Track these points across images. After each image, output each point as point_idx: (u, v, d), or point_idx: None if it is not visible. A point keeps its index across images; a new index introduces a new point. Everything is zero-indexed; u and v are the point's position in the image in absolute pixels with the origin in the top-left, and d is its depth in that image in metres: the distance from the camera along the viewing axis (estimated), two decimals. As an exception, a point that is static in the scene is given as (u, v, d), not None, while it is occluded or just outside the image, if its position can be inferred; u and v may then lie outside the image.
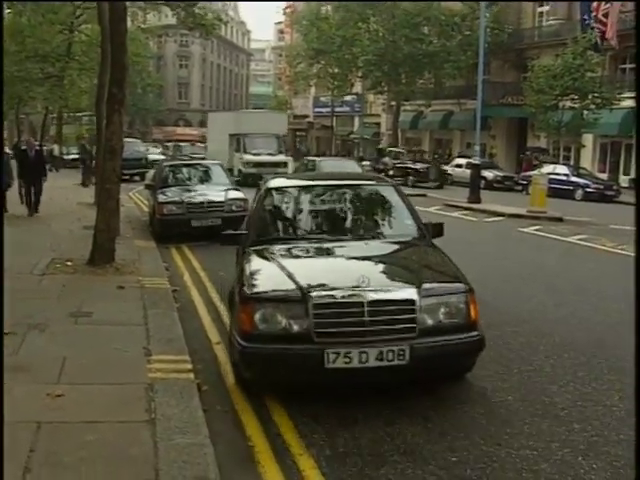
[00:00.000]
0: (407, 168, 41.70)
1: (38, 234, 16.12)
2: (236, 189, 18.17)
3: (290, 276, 6.53)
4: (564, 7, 47.24)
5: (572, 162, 42.88)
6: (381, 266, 7.41)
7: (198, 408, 5.95)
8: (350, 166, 29.92)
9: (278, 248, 7.51)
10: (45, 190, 20.00)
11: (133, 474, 4.74)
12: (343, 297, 6.19)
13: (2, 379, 5.75)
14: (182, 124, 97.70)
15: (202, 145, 53.62)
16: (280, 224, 8.46)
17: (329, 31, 56.05)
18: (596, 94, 37.16)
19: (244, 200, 17.08)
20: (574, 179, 34.65)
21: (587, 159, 43.61)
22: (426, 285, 6.38)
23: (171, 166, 19.90)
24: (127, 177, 31.42)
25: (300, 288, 6.27)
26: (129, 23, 20.24)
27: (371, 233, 8.13)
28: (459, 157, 46.04)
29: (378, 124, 66.61)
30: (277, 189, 8.87)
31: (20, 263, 11.58)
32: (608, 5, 41.54)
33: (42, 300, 9.54)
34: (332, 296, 6.20)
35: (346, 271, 6.94)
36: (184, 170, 19.25)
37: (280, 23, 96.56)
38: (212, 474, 4.78)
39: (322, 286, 6.36)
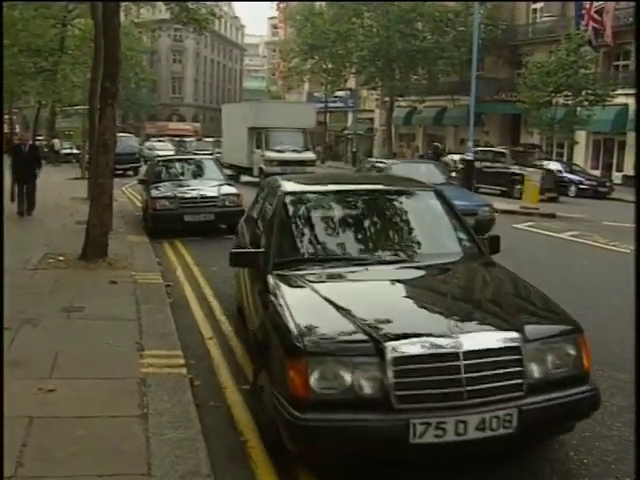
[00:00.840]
0: (512, 174, 31.18)
1: (31, 229, 16.08)
2: (229, 184, 18.18)
3: (350, 317, 5.07)
4: (558, 4, 47.31)
5: (565, 159, 42.98)
6: (459, 299, 5.94)
7: (190, 403, 5.97)
8: (432, 173, 18.99)
9: (314, 273, 6.11)
10: (38, 186, 19.46)
11: (125, 469, 4.75)
12: (431, 347, 4.67)
13: (2, 378, 5.73)
14: (175, 119, 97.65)
15: (209, 140, 51.75)
16: (308, 241, 6.78)
17: (323, 26, 56.03)
18: (589, 91, 37.17)
19: (237, 195, 17.09)
20: (567, 175, 34.69)
21: (580, 156, 43.73)
22: (529, 326, 5.00)
23: (164, 161, 19.88)
24: (120, 172, 31.34)
25: (370, 335, 4.79)
26: (122, 17, 20.23)
27: (422, 250, 6.70)
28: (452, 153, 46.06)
29: (372, 120, 66.58)
30: (297, 195, 7.25)
31: (13, 258, 11.54)
32: (601, 2, 41.60)
33: (34, 295, 9.52)
34: (416, 346, 4.68)
35: (419, 307, 5.65)
36: (177, 165, 19.23)
37: (274, 18, 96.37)
38: (204, 469, 4.79)
39: (399, 332, 4.86)
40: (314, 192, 7.61)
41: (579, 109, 37.71)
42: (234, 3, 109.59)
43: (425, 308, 5.59)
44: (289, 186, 7.49)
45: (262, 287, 6.17)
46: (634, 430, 2.72)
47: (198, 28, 24.80)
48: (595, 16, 41.52)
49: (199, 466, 4.82)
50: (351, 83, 65.71)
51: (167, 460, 4.87)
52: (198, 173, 18.69)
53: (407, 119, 58.39)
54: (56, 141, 49.78)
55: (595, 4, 41.67)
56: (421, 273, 6.36)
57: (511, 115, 48.65)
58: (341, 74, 60.91)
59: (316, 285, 5.77)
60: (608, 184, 35.33)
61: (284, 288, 5.78)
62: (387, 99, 56.39)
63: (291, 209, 7.02)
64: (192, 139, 51.50)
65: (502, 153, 35.09)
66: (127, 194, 27.48)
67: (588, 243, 17.47)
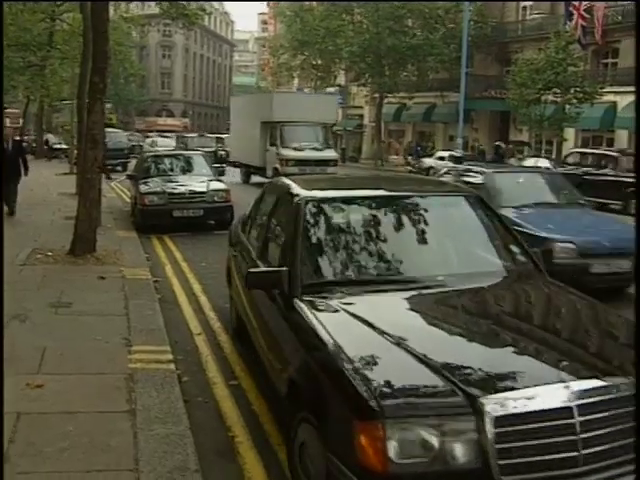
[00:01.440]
0: (628, 185, 22.77)
1: (19, 225, 16.01)
2: (218, 180, 18.15)
3: (427, 362, 4.03)
4: (547, 2, 47.39)
5: (554, 156, 43.09)
6: (547, 333, 4.81)
7: (179, 398, 5.97)
8: (555, 186, 13.47)
9: (355, 300, 5.02)
10: (26, 181, 18.86)
11: (113, 464, 4.75)
12: (540, 401, 3.70)
13: (2, 378, 5.73)
14: (164, 114, 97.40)
15: (210, 136, 47.71)
16: (339, 258, 5.63)
17: (313, 22, 56.00)
18: (578, 88, 37.28)
19: (226, 191, 17.09)
20: (556, 173, 34.69)
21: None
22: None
23: (153, 156, 19.84)
24: (109, 167, 31.24)
25: (461, 388, 3.78)
26: (111, 12, 20.15)
27: (474, 268, 5.80)
28: (442, 150, 46.13)
29: (361, 116, 66.56)
30: (320, 202, 6.06)
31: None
32: (590, 1, 41.71)
33: (22, 290, 9.49)
34: (521, 400, 3.69)
35: (505, 346, 4.51)
36: (166, 160, 19.19)
37: (264, 14, 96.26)
38: (192, 464, 4.80)
39: (497, 382, 3.89)
40: (339, 199, 6.30)
41: (568, 106, 37.82)
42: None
43: (513, 347, 4.48)
44: (307, 191, 6.26)
45: (288, 314, 5.16)
46: (634, 430, 2.70)
47: (187, 23, 24.77)
48: (584, 14, 41.62)
49: (187, 461, 4.82)
50: (340, 79, 65.68)
51: (155, 455, 4.87)
52: (187, 169, 18.65)
53: (396, 115, 58.37)
54: (50, 136, 49.63)
55: (584, 2, 41.76)
56: (484, 297, 5.45)
57: (500, 112, 48.70)
58: (330, 70, 60.96)
59: (366, 316, 4.67)
60: (596, 181, 35.33)
61: (327, 320, 4.72)
62: (376, 95, 56.43)
63: (315, 219, 5.90)
64: (194, 135, 46.45)
65: (613, 157, 26.70)
66: (116, 189, 27.40)
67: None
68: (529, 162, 35.48)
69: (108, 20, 12.73)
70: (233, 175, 32.64)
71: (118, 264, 11.55)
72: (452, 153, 38.34)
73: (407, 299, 5.11)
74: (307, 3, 60.92)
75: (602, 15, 41.35)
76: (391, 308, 5.01)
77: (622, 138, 41.12)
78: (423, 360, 4.03)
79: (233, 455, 5.28)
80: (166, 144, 44.39)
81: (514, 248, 6.12)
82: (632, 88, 38.53)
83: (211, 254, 13.50)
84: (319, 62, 60.24)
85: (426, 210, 6.18)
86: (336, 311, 4.88)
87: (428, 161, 42.27)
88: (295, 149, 28.95)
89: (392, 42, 49.91)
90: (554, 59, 36.84)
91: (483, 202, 6.46)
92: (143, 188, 16.80)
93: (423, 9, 49.80)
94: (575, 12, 41.95)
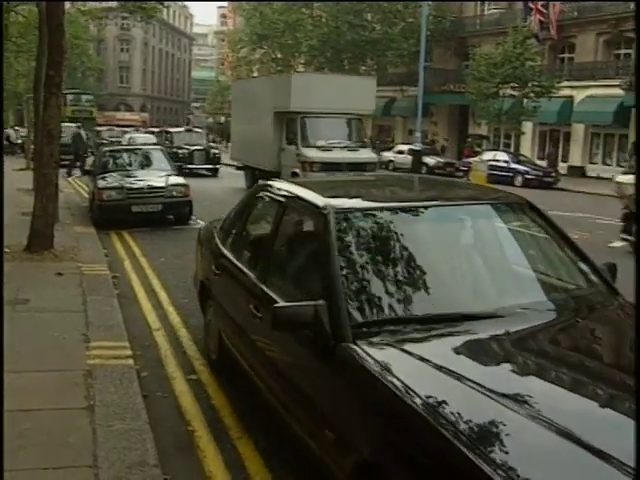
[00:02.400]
0: None
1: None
2: (177, 174, 18.05)
3: (564, 432, 3.02)
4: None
5: (512, 149, 43.54)
6: None
7: (137, 394, 5.95)
8: None
9: (435, 346, 4.06)
10: None
11: (71, 461, 4.73)
12: None
13: (2, 378, 5.66)
14: (123, 109, 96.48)
15: (199, 130, 42.74)
16: (393, 289, 4.44)
17: (272, 16, 55.81)
18: (536, 83, 37.75)
19: (185, 185, 17.02)
20: (514, 166, 35.13)
21: (527, 146, 44.35)
22: None
23: (111, 151, 19.67)
24: (67, 162, 30.87)
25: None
26: (68, 5, 19.93)
27: (541, 295, 4.83)
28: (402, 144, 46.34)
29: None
30: (350, 214, 4.89)
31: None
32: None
33: (-22, 287, 9.37)
34: None
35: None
36: (124, 155, 19.04)
37: (223, 7, 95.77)
38: (151, 459, 4.79)
39: None
40: (375, 209, 5.08)
41: (525, 100, 38.31)
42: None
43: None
44: (329, 200, 5.03)
45: (335, 365, 4.05)
46: (634, 430, 2.74)
47: (146, 17, 24.57)
48: (542, 9, 42.09)
49: (146, 456, 4.82)
50: (300, 73, 65.67)
51: (114, 451, 4.86)
52: (146, 163, 18.50)
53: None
54: (11, 132, 48.95)
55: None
56: (563, 334, 4.53)
57: (459, 106, 49.10)
58: (290, 64, 60.79)
59: (454, 367, 3.65)
60: (554, 174, 35.87)
61: (406, 376, 3.59)
62: (336, 89, 56.43)
63: (349, 236, 4.74)
64: (180, 129, 41.39)
65: None
66: (74, 185, 27.11)
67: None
68: (487, 155, 35.87)
69: (63, 13, 12.57)
70: (236, 180, 28.21)
71: (76, 260, 11.45)
72: (411, 147, 38.54)
73: (488, 340, 4.14)
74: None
75: (558, 11, 41.85)
76: (476, 353, 4.05)
77: (579, 132, 41.75)
78: (561, 430, 3.04)
79: (193, 449, 5.28)
80: (145, 140, 40.51)
81: (582, 266, 5.12)
82: (588, 82, 39.24)
83: (170, 249, 13.47)
84: (278, 56, 60.08)
85: (479, 222, 5.37)
86: (411, 361, 3.78)
87: (387, 155, 42.49)
88: (321, 148, 22.50)
89: (351, 36, 50.02)
90: (512, 54, 37.26)
91: (536, 209, 5.48)
92: (101, 183, 16.65)
93: (382, 3, 49.92)
94: (533, 7, 42.41)
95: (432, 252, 4.94)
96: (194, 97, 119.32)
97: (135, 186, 16.60)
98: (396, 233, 4.87)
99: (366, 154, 23.34)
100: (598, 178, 38.86)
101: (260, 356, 5.28)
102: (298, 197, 5.50)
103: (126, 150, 20.08)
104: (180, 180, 17.41)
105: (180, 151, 34.14)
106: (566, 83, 39.10)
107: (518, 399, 3.32)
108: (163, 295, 9.99)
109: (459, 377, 3.53)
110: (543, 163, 40.94)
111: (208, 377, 6.77)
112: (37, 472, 4.59)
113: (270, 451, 5.19)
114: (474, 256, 5.20)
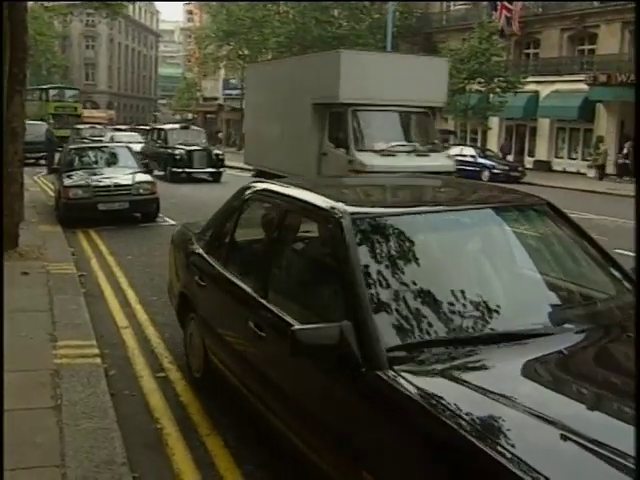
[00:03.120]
0: None
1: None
2: (144, 172, 17.94)
3: None
4: (471, -8, 48.11)
5: (479, 144, 43.82)
6: None
7: (105, 392, 5.93)
8: None
9: (485, 373, 3.59)
10: None
11: (38, 461, 4.70)
12: None
13: (2, 379, 5.61)
14: (89, 106, 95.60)
15: (197, 129, 36.65)
16: (426, 306, 3.95)
17: (238, 12, 55.65)
18: (502, 78, 38.03)
19: (152, 183, 16.94)
20: (481, 160, 35.36)
21: (493, 141, 44.62)
22: None
23: (77, 149, 19.51)
24: (32, 161, 30.58)
25: None
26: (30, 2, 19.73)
27: (592, 308, 4.43)
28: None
29: (288, 106, 66.51)
30: (370, 221, 4.42)
31: None
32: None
33: (-58, 287, 9.26)
34: None
35: None
36: (90, 153, 18.87)
37: (189, 4, 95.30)
38: (119, 457, 4.78)
39: None
40: (395, 215, 4.60)
41: (492, 96, 38.57)
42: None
43: None
44: (344, 204, 4.47)
45: (370, 397, 3.52)
46: (634, 430, 2.77)
47: (111, 13, 24.40)
48: (508, 5, 42.39)
49: (114, 455, 4.80)
50: (268, 70, 65.56)
51: (81, 450, 4.84)
52: (112, 161, 18.36)
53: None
54: None
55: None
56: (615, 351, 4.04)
57: (426, 101, 49.24)
58: (257, 60, 60.67)
59: (524, 399, 3.19)
60: (520, 169, 36.16)
61: (464, 408, 3.11)
62: (304, 86, 56.41)
63: (372, 246, 4.22)
64: (174, 126, 35.00)
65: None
66: (39, 183, 26.85)
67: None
68: (454, 150, 36.03)
69: (26, 10, 12.46)
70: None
71: (42, 259, 11.35)
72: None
73: (544, 361, 3.70)
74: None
75: (520, 7, 42.20)
76: (537, 378, 3.65)
77: (544, 126, 42.11)
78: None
79: (161, 447, 5.27)
80: (133, 139, 36.33)
81: (614, 272, 4.73)
82: (553, 78, 39.60)
83: (137, 247, 13.42)
84: (246, 52, 59.89)
85: (508, 229, 4.91)
86: (467, 392, 3.29)
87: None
88: (381, 153, 16.86)
89: (318, 32, 50.00)
90: (478, 49, 37.49)
91: (558, 210, 5.07)
92: (67, 181, 16.51)
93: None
94: (499, 3, 42.70)
95: (464, 261, 4.48)
96: (161, 94, 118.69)
97: (101, 184, 16.48)
98: (422, 241, 4.45)
99: (440, 160, 17.57)
100: (564, 172, 39.29)
101: (261, 378, 4.77)
102: (302, 201, 4.88)
103: (92, 148, 19.90)
104: (147, 178, 17.33)
105: (176, 152, 28.50)
106: (531, 78, 39.42)
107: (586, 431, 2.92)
108: (130, 293, 9.95)
109: (526, 410, 3.09)
110: (509, 157, 41.30)
111: (176, 375, 6.76)
112: (5, 473, 4.54)
113: (239, 448, 5.20)
114: (511, 266, 4.74)
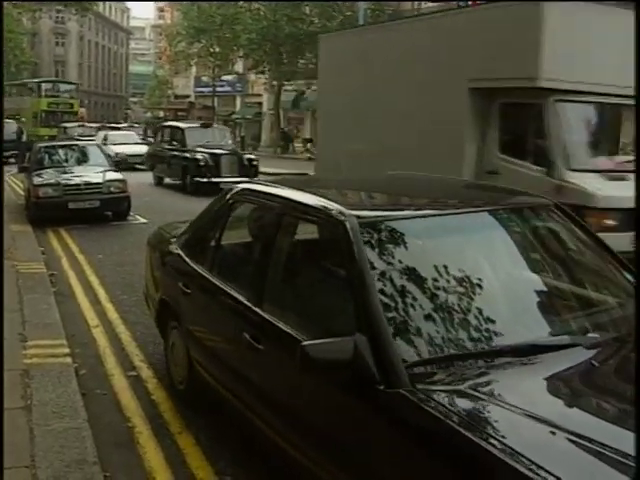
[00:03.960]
0: None
1: None
2: (115, 170, 17.82)
3: None
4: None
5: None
6: None
7: (76, 392, 5.90)
8: None
9: (513, 389, 3.26)
10: None
11: (8, 462, 4.63)
12: None
13: (2, 379, 5.56)
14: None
15: (222, 127, 30.78)
16: (442, 320, 3.69)
17: (210, 10, 55.46)
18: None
19: (122, 181, 16.81)
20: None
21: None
22: None
23: (46, 147, 19.33)
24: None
25: None
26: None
27: (601, 320, 4.13)
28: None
29: (260, 104, 66.40)
30: (377, 226, 4.12)
31: None
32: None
33: None
34: None
35: None
36: (60, 151, 18.71)
37: (160, 1, 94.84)
38: (90, 457, 4.77)
39: None
40: (404, 218, 4.41)
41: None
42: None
43: None
44: (345, 208, 4.20)
45: (389, 419, 3.28)
46: (634, 429, 2.78)
47: (81, 10, 24.26)
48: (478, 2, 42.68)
49: (85, 454, 4.79)
50: (239, 67, 65.39)
51: (52, 450, 4.82)
52: (82, 159, 18.21)
53: (295, 103, 58.49)
54: None
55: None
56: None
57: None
58: (228, 58, 60.53)
59: (560, 419, 2.97)
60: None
61: (516, 438, 2.84)
62: (275, 83, 56.38)
63: (380, 253, 3.95)
64: (193, 124, 27.84)
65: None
66: (9, 182, 26.61)
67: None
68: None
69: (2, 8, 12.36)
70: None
71: (12, 258, 11.24)
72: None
73: (575, 375, 3.54)
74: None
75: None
76: (572, 394, 3.46)
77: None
78: None
79: (133, 445, 5.27)
80: (125, 140, 34.27)
81: (627, 275, 4.50)
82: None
83: (108, 245, 13.35)
84: (217, 50, 59.72)
85: (520, 232, 4.67)
86: (499, 411, 3.06)
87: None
88: (608, 175, 10.12)
89: (290, 29, 49.91)
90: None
91: (566, 211, 4.83)
92: (37, 180, 16.37)
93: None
94: (470, 3, 42.94)
95: (479, 268, 4.13)
96: (132, 92, 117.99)
97: (71, 182, 16.34)
98: (434, 246, 4.25)
99: None
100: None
101: (258, 391, 4.49)
102: (302, 204, 4.56)
103: (62, 146, 19.72)
104: (118, 176, 17.18)
105: (199, 156, 22.71)
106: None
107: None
108: (101, 292, 9.90)
109: (564, 430, 2.86)
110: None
111: (148, 373, 6.74)
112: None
113: (211, 446, 5.20)
114: (526, 272, 4.42)
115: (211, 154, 22.84)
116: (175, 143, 24.66)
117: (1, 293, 7.10)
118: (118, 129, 43.33)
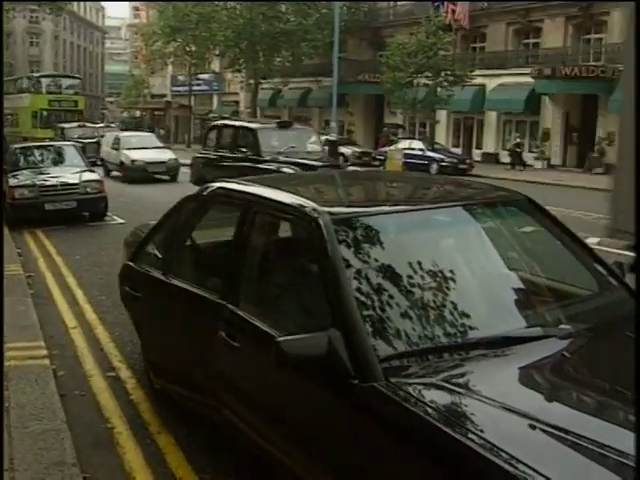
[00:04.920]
0: None
1: None
2: (91, 170, 17.74)
3: None
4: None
5: (427, 137, 44.16)
6: None
7: (54, 393, 5.88)
8: None
9: (486, 381, 3.29)
10: None
11: (-13, 465, 4.66)
12: None
13: (2, 380, 5.51)
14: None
15: (266, 126, 19.61)
16: (415, 313, 3.70)
17: (185, 8, 55.27)
18: (449, 72, 38.37)
19: (99, 182, 16.77)
20: (429, 154, 35.62)
21: (442, 134, 44.98)
22: None
23: (22, 148, 19.22)
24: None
25: None
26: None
27: (576, 308, 4.23)
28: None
29: (237, 102, 66.28)
30: (349, 222, 4.15)
31: None
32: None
33: None
34: None
35: None
36: (36, 152, 18.61)
37: (137, 1, 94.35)
38: (69, 458, 4.76)
39: None
40: (376, 214, 4.33)
41: (439, 89, 38.90)
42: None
43: None
44: (317, 204, 4.18)
45: (364, 414, 3.30)
46: (634, 429, 2.79)
47: (55, 9, 24.11)
48: (452, 6, 42.81)
49: (64, 456, 4.77)
50: (215, 66, 65.23)
51: (30, 452, 4.80)
52: (58, 160, 18.13)
53: (272, 101, 58.45)
54: None
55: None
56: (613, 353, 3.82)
57: (374, 96, 49.44)
58: (205, 57, 60.36)
59: (536, 411, 3.00)
60: (468, 161, 36.53)
61: (494, 431, 2.86)
62: (252, 82, 56.29)
63: (353, 249, 3.95)
64: (270, 124, 20.41)
65: None
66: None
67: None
68: (403, 144, 36.36)
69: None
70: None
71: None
72: (327, 137, 38.72)
73: (549, 366, 3.59)
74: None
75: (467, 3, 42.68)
76: (543, 386, 3.49)
77: (491, 119, 42.64)
78: None
79: (112, 446, 5.26)
80: (141, 144, 28.51)
81: (599, 268, 4.55)
82: (500, 71, 40.12)
83: (85, 246, 13.31)
84: (193, 49, 59.54)
85: (490, 226, 4.67)
86: (476, 404, 3.07)
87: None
88: None
89: (266, 28, 49.83)
90: (425, 43, 37.78)
91: (539, 206, 4.87)
92: (12, 181, 16.27)
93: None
94: (446, 2, 43.09)
95: (451, 262, 4.14)
96: (108, 92, 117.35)
97: (48, 183, 16.28)
98: (405, 241, 4.30)
99: None
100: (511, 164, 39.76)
101: (234, 389, 4.48)
102: (275, 201, 4.52)
103: (38, 147, 19.61)
104: (94, 176, 17.15)
105: (286, 169, 15.52)
106: (478, 72, 39.81)
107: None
108: (79, 293, 9.86)
109: (539, 422, 2.89)
110: (458, 150, 41.78)
111: (127, 373, 6.73)
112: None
113: (190, 444, 5.20)
114: (497, 266, 4.45)
115: (302, 165, 15.99)
116: (243, 150, 17.52)
117: (1, 293, 7.06)
118: (133, 130, 38.35)
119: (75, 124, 39.97)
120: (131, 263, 6.16)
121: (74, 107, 48.82)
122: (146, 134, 34.35)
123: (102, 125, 50.40)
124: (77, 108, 48.94)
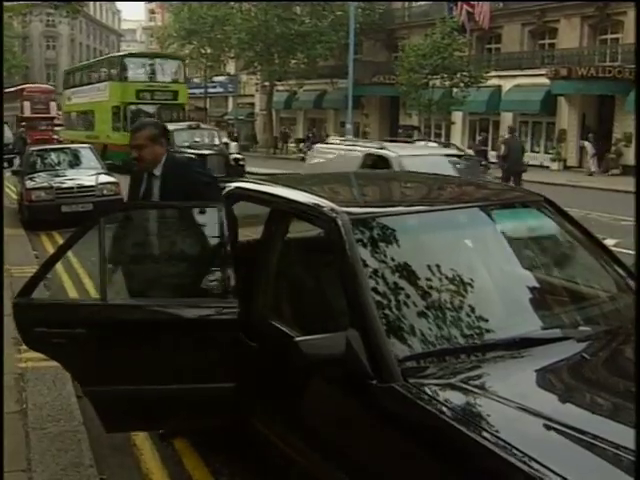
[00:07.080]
0: None
1: None
2: (107, 173, 17.80)
3: None
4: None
5: (443, 139, 44.06)
6: None
7: (71, 395, 5.91)
8: None
9: (508, 383, 3.29)
10: None
11: (5, 466, 4.64)
12: None
13: (2, 380, 5.55)
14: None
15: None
16: (435, 314, 3.71)
17: (200, 11, 55.42)
18: (464, 73, 38.27)
19: (115, 184, 16.79)
20: (444, 155, 35.48)
21: (457, 135, 44.89)
22: None
23: (39, 150, 19.33)
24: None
25: None
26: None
27: (592, 314, 4.12)
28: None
29: (252, 104, 66.40)
30: (369, 222, 4.11)
31: None
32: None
33: None
34: None
35: None
36: (53, 155, 18.73)
37: (151, 2, 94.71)
38: (87, 460, 4.79)
39: None
40: (397, 215, 4.30)
41: (455, 90, 38.81)
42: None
43: None
44: (337, 205, 4.14)
45: (383, 416, 3.29)
46: (634, 428, 2.77)
47: (71, 12, 24.22)
48: (467, 7, 42.71)
49: (81, 457, 4.81)
50: (230, 68, 65.39)
51: (48, 454, 4.84)
52: (75, 162, 18.24)
53: (287, 103, 58.52)
54: None
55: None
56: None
57: (390, 97, 49.40)
58: (220, 59, 60.51)
59: (560, 414, 2.98)
60: (484, 162, 36.39)
61: (515, 435, 2.82)
62: (267, 84, 56.39)
63: (372, 250, 3.91)
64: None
65: None
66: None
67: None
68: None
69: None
70: None
71: (5, 262, 11.22)
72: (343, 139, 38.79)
73: (569, 368, 3.55)
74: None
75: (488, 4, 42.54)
76: (569, 389, 3.45)
77: (507, 120, 42.44)
78: None
79: (129, 448, 5.27)
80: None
81: (617, 269, 4.50)
82: (515, 72, 39.98)
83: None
84: (208, 51, 59.70)
85: (510, 227, 4.63)
86: (498, 407, 3.03)
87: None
88: None
89: (281, 29, 49.91)
90: (440, 44, 37.67)
91: (557, 207, 4.80)
92: (29, 184, 16.37)
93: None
94: (459, 2, 43.01)
95: (471, 263, 4.18)
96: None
97: (64, 186, 16.35)
98: (425, 242, 4.28)
99: None
100: (527, 165, 39.62)
101: (253, 390, 4.44)
102: (294, 202, 4.47)
103: (54, 149, 19.72)
104: (110, 178, 17.19)
105: None
106: (494, 73, 39.69)
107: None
108: (94, 294, 9.86)
109: (556, 423, 2.87)
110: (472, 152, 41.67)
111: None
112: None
113: (207, 446, 5.20)
114: (516, 267, 4.45)
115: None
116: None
117: (1, 293, 7.10)
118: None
119: (184, 124, 28.47)
120: None
121: (172, 100, 35.16)
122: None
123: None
124: (177, 102, 35.64)
